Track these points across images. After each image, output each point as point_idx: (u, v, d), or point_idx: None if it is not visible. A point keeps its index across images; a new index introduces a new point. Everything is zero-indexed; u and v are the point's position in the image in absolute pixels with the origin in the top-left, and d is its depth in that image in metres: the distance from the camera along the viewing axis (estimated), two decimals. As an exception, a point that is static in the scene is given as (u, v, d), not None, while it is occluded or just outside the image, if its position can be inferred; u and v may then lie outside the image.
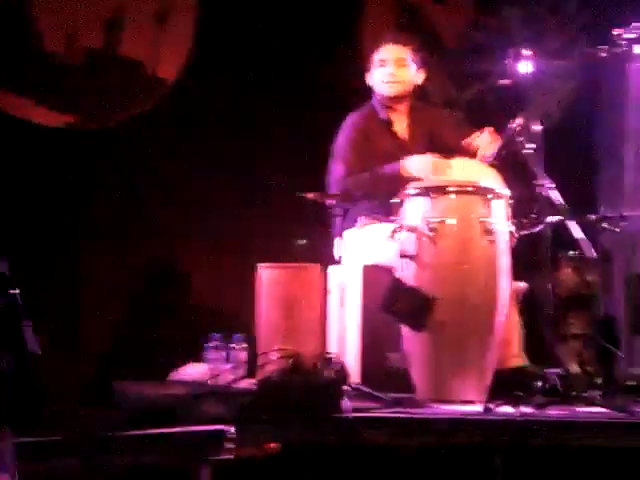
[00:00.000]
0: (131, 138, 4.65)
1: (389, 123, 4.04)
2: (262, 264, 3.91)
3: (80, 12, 4.63)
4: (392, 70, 3.97)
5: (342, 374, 3.29)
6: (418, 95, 4.12)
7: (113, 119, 4.68)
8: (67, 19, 4.62)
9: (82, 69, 4.66)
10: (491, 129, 3.79)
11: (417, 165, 3.71)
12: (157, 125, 4.67)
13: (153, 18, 4.71)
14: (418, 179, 3.64)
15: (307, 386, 3.03)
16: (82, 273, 4.54)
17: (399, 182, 3.66)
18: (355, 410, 3.00)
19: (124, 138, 4.65)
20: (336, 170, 3.90)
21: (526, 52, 3.75)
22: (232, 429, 2.83)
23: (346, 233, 3.59)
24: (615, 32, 3.57)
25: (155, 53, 4.72)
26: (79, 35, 4.64)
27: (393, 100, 4.02)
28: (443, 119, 4.19)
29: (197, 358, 3.87)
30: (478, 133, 3.79)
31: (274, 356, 3.58)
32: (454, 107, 5.01)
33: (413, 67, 4.01)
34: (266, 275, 3.89)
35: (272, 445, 2.86)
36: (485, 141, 3.74)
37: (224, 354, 3.82)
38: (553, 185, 3.44)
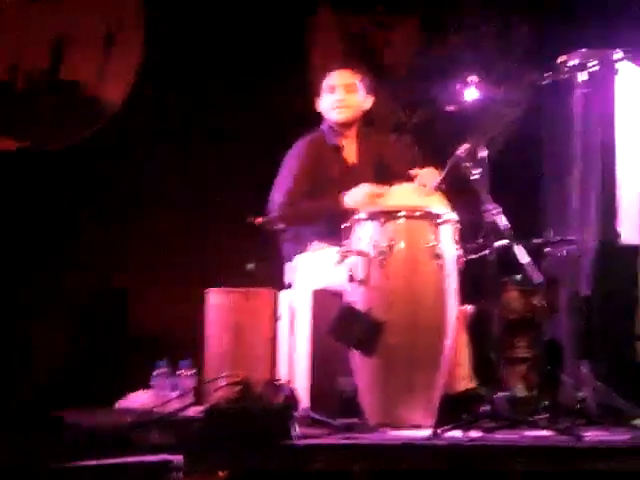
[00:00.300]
0: (77, 162, 4.60)
1: (338, 149, 4.06)
2: (211, 289, 3.88)
3: (25, 36, 4.60)
4: (341, 96, 3.99)
5: (292, 400, 3.27)
6: (366, 120, 4.15)
7: (58, 142, 4.63)
8: (12, 43, 4.57)
9: (26, 93, 4.60)
10: (431, 169, 3.82)
11: (355, 198, 3.73)
12: (104, 148, 4.63)
13: (101, 41, 4.69)
14: (356, 211, 3.65)
15: (256, 413, 2.99)
16: (23, 303, 4.46)
17: (337, 215, 3.69)
18: (305, 437, 2.98)
19: (70, 162, 4.60)
20: (277, 197, 3.91)
21: (472, 78, 3.80)
22: (180, 458, 2.79)
23: (296, 258, 3.59)
24: (560, 59, 3.64)
25: (101, 75, 4.68)
26: (24, 59, 4.60)
27: (342, 126, 4.04)
28: (391, 144, 4.24)
29: (145, 385, 3.82)
30: (422, 171, 3.81)
31: (222, 383, 3.54)
32: (402, 132, 5.06)
33: (362, 92, 4.04)
34: (215, 300, 3.86)
35: (221, 474, 2.82)
36: (426, 178, 3.76)
37: (171, 381, 3.77)
38: (499, 210, 3.48)
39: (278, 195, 3.91)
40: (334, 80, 4.00)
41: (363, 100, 4.05)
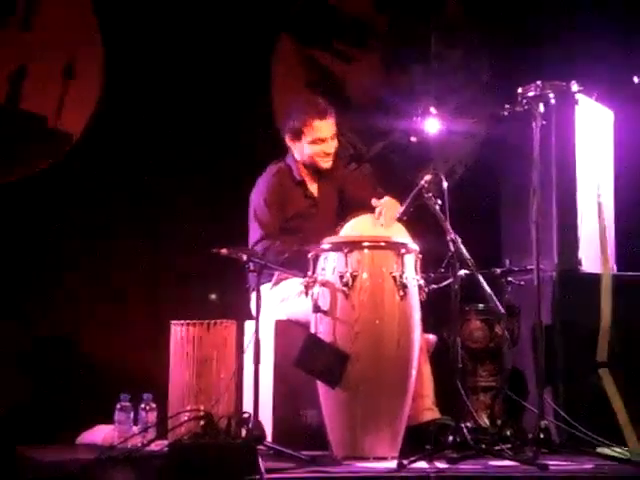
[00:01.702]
0: (34, 193, 4.55)
1: (303, 184, 4.09)
2: (175, 321, 3.84)
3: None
4: (330, 148, 4.03)
5: (257, 433, 3.24)
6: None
7: (14, 173, 4.57)
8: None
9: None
10: (389, 198, 3.83)
11: None
12: (61, 180, 4.58)
13: (60, 72, 4.66)
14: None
15: (220, 448, 2.95)
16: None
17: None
18: (270, 470, 2.94)
19: (26, 193, 4.54)
20: (256, 232, 3.93)
21: (433, 110, 3.84)
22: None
23: (261, 288, 3.57)
24: (518, 90, 3.69)
25: (60, 106, 4.65)
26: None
27: (319, 171, 4.07)
28: (351, 177, 4.28)
29: (107, 420, 3.75)
30: (380, 201, 3.83)
31: (185, 417, 3.50)
32: (361, 162, 5.09)
33: None
34: (177, 332, 3.82)
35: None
36: (385, 208, 3.78)
37: (132, 415, 3.71)
38: (459, 239, 3.50)
39: (257, 230, 3.92)
40: (322, 133, 4.00)
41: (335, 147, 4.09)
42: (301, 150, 4.05)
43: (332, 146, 4.04)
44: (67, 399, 4.33)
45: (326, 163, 4.06)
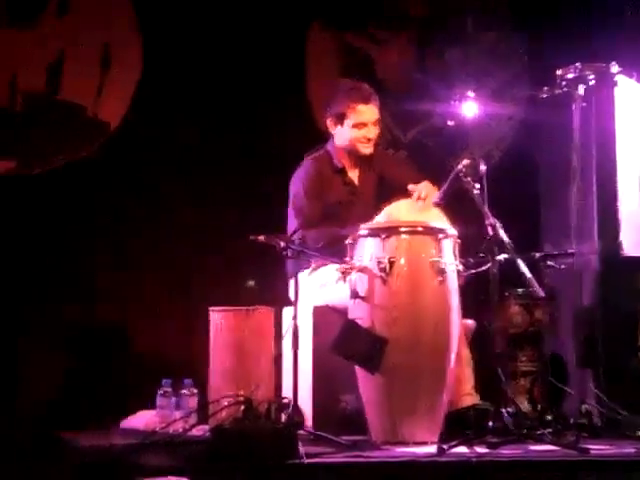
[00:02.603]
0: (75, 183, 4.59)
1: (343, 171, 4.08)
2: (214, 308, 3.86)
3: (22, 57, 4.59)
4: (371, 134, 4.01)
5: (296, 418, 3.25)
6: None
7: (55, 163, 4.62)
8: (9, 65, 4.57)
9: (23, 114, 4.60)
10: (427, 182, 3.82)
11: None
12: (102, 169, 4.62)
13: (98, 63, 4.69)
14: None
15: (261, 432, 2.97)
16: (26, 320, 4.43)
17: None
18: (310, 455, 2.96)
19: (66, 181, 4.59)
20: (294, 222, 3.94)
21: (470, 93, 3.81)
22: (185, 480, 2.77)
23: (300, 275, 3.58)
24: (557, 72, 3.65)
25: (98, 97, 4.68)
26: (20, 80, 4.59)
27: (361, 157, 4.05)
28: (391, 161, 4.25)
29: (149, 405, 3.79)
30: (418, 185, 3.81)
31: (226, 402, 3.52)
32: (397, 147, 5.07)
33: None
34: (217, 319, 3.84)
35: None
36: (424, 192, 3.76)
37: (174, 401, 3.74)
38: (499, 224, 3.48)
39: (295, 219, 3.94)
40: (365, 117, 3.98)
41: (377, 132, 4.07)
42: (343, 135, 4.03)
43: (374, 132, 4.02)
44: (110, 385, 4.38)
45: (367, 149, 4.03)
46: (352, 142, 4.02)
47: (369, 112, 3.99)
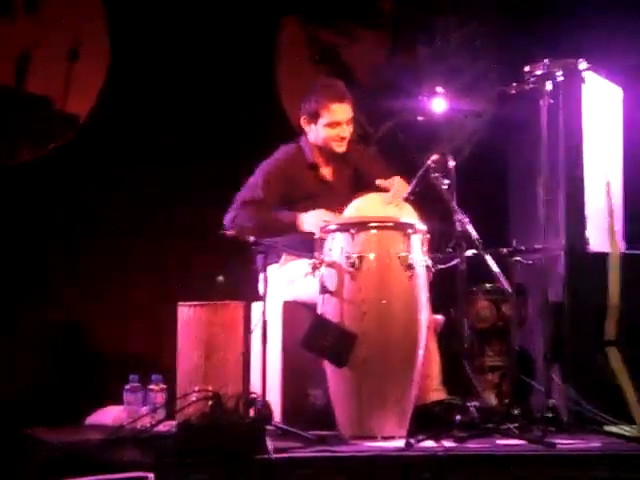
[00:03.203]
0: (42, 175, 4.55)
1: (316, 167, 4.08)
2: (182, 303, 3.85)
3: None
4: (344, 133, 4.00)
5: (265, 413, 3.25)
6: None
7: (22, 156, 4.57)
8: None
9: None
10: (399, 178, 3.83)
11: (310, 220, 3.76)
12: (69, 161, 4.59)
13: (65, 56, 4.65)
14: (310, 233, 3.65)
15: (229, 428, 2.97)
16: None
17: (290, 232, 3.76)
18: (278, 450, 2.96)
19: (34, 175, 4.55)
20: (236, 201, 3.92)
21: (439, 89, 3.82)
22: (151, 475, 2.75)
23: (269, 269, 3.58)
24: (526, 68, 3.67)
25: (66, 89, 4.64)
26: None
27: (334, 155, 4.05)
28: (364, 157, 4.24)
29: (116, 400, 3.77)
30: (390, 180, 3.82)
31: (194, 397, 3.51)
32: (368, 143, 5.07)
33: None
34: (185, 314, 3.83)
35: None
36: (394, 188, 3.77)
37: (141, 396, 3.73)
38: (467, 219, 3.50)
39: (241, 198, 3.92)
40: (339, 116, 3.97)
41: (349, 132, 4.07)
42: (316, 133, 4.02)
43: (347, 131, 4.01)
44: (77, 381, 4.35)
45: (340, 147, 4.03)
46: (325, 141, 4.02)
47: (343, 111, 3.98)
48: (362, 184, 3.96)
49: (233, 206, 3.92)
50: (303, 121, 4.05)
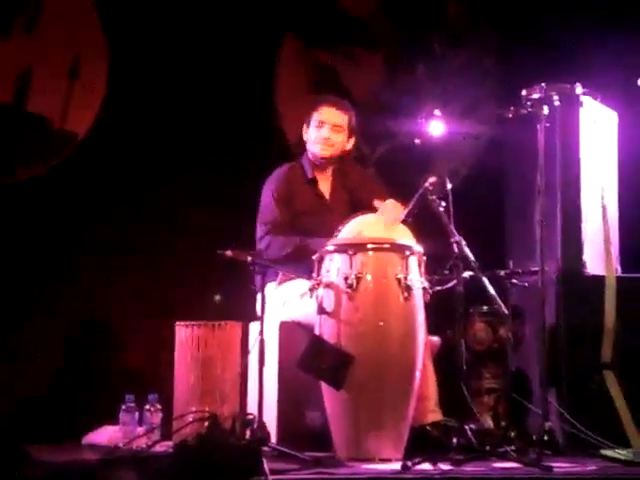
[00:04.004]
0: (40, 193, 4.56)
1: (314, 182, 4.10)
2: (180, 322, 3.85)
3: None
4: (327, 134, 4.04)
5: (261, 435, 3.24)
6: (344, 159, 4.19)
7: (23, 175, 4.58)
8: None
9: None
10: (393, 201, 3.84)
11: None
12: (69, 178, 4.59)
13: (65, 75, 4.67)
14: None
15: (225, 449, 2.96)
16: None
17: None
18: (274, 472, 2.95)
19: (32, 193, 4.55)
20: (260, 229, 3.95)
21: (437, 112, 3.84)
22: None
23: (266, 289, 3.58)
24: (523, 93, 3.69)
25: (65, 107, 4.66)
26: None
27: (322, 160, 4.09)
28: (362, 178, 4.26)
29: (112, 420, 3.76)
30: (384, 202, 3.84)
31: (190, 418, 3.50)
32: (365, 164, 5.09)
33: (346, 133, 4.09)
34: (182, 333, 3.82)
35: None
36: (388, 210, 3.79)
37: (137, 416, 3.72)
38: (464, 241, 3.51)
39: (264, 226, 3.95)
40: (323, 117, 4.05)
41: (346, 141, 4.11)
42: (308, 138, 4.09)
43: (332, 135, 4.02)
44: (73, 400, 4.34)
45: (323, 151, 4.05)
46: (310, 143, 4.07)
47: (330, 114, 4.04)
48: (358, 205, 3.97)
49: (260, 232, 3.94)
50: (303, 131, 4.12)
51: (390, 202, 3.83)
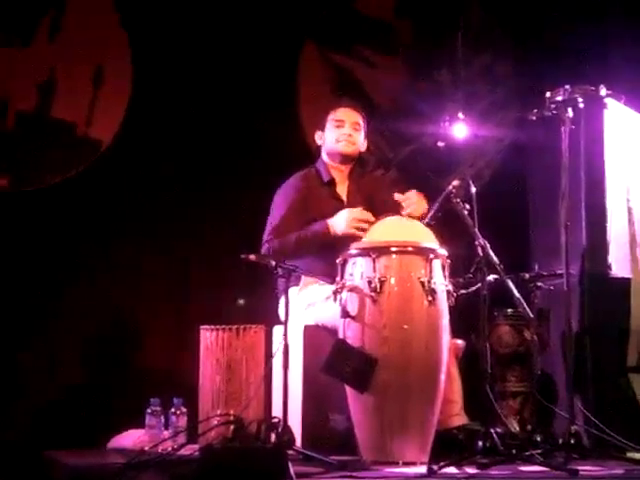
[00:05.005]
0: (67, 200, 4.59)
1: (331, 184, 4.11)
2: (205, 326, 3.86)
3: (15, 76, 4.60)
4: (349, 131, 4.08)
5: (287, 438, 3.24)
6: (358, 161, 4.21)
7: (47, 181, 4.62)
8: (1, 84, 4.58)
9: (15, 132, 4.60)
10: (416, 192, 3.84)
11: (340, 222, 3.79)
12: (91, 186, 4.63)
13: (89, 82, 4.70)
14: (347, 237, 3.67)
15: (251, 452, 2.96)
16: (12, 345, 4.41)
17: (325, 241, 3.77)
18: (300, 475, 2.95)
19: (60, 200, 4.59)
20: (267, 231, 3.96)
21: (460, 115, 3.84)
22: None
23: (290, 293, 3.59)
24: (546, 95, 3.68)
25: (89, 115, 4.69)
26: (12, 99, 4.60)
27: (345, 159, 4.10)
28: (380, 184, 4.28)
29: (137, 424, 3.78)
30: (406, 194, 3.84)
31: (216, 422, 3.51)
32: (388, 167, 5.09)
33: (363, 134, 4.13)
34: (207, 337, 3.83)
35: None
36: (411, 201, 3.79)
37: (162, 419, 3.73)
38: (488, 245, 3.50)
39: (267, 229, 3.96)
40: (342, 115, 4.10)
41: (363, 141, 4.14)
42: (326, 140, 4.11)
43: (353, 132, 4.06)
44: (98, 404, 4.36)
45: (347, 147, 4.08)
46: (330, 144, 4.09)
47: (346, 113, 4.10)
48: (376, 211, 3.97)
49: (266, 234, 3.95)
50: (317, 137, 4.15)
51: (413, 193, 3.83)
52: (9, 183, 4.57)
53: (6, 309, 4.41)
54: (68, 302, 4.51)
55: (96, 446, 3.86)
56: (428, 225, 3.71)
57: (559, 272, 3.74)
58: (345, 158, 4.11)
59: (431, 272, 3.49)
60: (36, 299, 4.47)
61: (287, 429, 3.33)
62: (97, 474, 3.12)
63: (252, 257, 3.43)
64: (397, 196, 3.82)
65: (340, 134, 4.07)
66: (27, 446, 4.16)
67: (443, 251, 3.58)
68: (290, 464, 2.90)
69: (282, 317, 3.47)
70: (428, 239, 3.64)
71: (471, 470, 3.16)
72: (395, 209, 3.86)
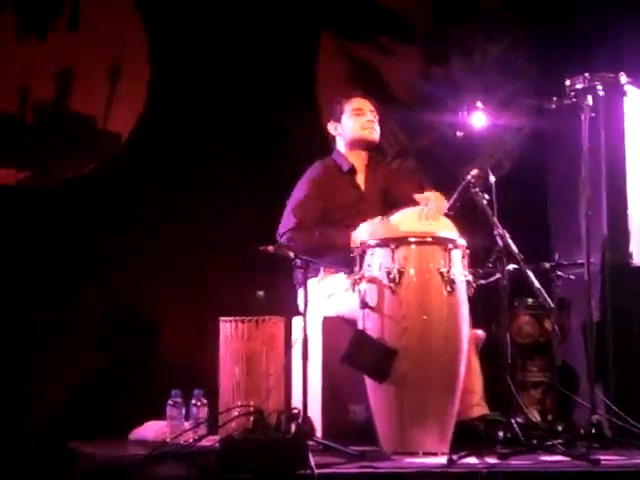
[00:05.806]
0: (84, 193, 4.61)
1: (352, 173, 4.10)
2: (224, 318, 3.87)
3: (32, 68, 4.61)
4: (371, 117, 4.08)
5: (307, 429, 3.25)
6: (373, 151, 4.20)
7: (65, 174, 4.63)
8: (18, 76, 4.59)
9: (33, 125, 4.62)
10: (434, 192, 3.82)
11: (364, 233, 3.71)
12: (113, 179, 4.64)
13: (107, 74, 4.71)
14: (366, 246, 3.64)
15: (271, 443, 2.97)
16: (37, 335, 4.43)
17: (346, 250, 3.71)
18: (320, 466, 2.96)
19: (78, 193, 4.61)
20: (287, 221, 3.94)
21: (479, 104, 3.82)
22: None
23: (309, 284, 3.59)
24: (566, 83, 3.65)
25: (107, 108, 4.70)
26: (31, 92, 4.61)
27: (369, 144, 4.11)
28: (396, 174, 4.27)
29: (158, 415, 3.80)
30: (425, 194, 3.81)
31: (236, 413, 3.52)
32: (405, 157, 5.08)
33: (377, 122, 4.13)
34: (226, 329, 3.85)
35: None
36: (431, 202, 3.76)
37: (183, 411, 3.75)
38: (508, 234, 3.48)
39: (288, 219, 3.94)
40: (360, 104, 4.11)
41: (379, 129, 4.12)
42: (345, 130, 4.10)
43: (373, 119, 4.07)
44: (120, 395, 4.39)
45: (372, 133, 4.08)
46: (356, 131, 4.08)
47: (363, 103, 4.11)
48: (391, 202, 3.96)
49: (282, 228, 3.93)
50: (330, 127, 4.15)
51: (432, 194, 3.82)
52: (32, 176, 4.57)
53: (28, 301, 4.44)
54: (89, 294, 4.52)
55: (118, 437, 3.89)
56: (447, 215, 3.70)
57: (580, 261, 3.72)
58: (370, 144, 4.12)
59: (450, 262, 3.48)
60: (56, 291, 4.49)
61: (307, 420, 3.33)
62: (119, 465, 3.14)
63: (270, 248, 3.43)
64: (417, 196, 3.81)
65: (364, 121, 4.08)
66: (50, 437, 4.19)
67: (462, 241, 3.57)
68: (310, 455, 2.91)
69: (301, 308, 3.47)
70: (447, 229, 3.63)
71: (492, 460, 3.16)
72: (411, 200, 3.85)
